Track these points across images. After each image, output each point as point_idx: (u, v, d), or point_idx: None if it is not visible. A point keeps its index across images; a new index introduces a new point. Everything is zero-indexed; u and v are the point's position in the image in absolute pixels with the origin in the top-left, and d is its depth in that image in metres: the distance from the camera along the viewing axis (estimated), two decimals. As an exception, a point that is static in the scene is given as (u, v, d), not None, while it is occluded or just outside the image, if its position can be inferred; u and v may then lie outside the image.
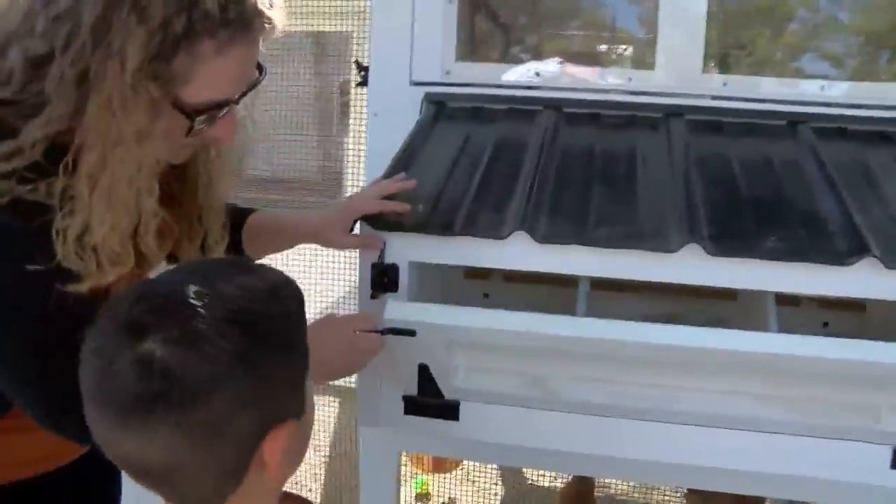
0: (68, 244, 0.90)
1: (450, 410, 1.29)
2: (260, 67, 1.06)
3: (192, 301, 0.71)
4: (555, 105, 1.58)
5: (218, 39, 0.92)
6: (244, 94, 1.05)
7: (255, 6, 0.95)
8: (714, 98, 1.56)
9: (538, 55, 1.88)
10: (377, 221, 1.26)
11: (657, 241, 1.19)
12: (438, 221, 1.26)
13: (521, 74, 1.69)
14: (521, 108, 1.60)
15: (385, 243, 1.25)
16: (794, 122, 1.52)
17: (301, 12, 2.83)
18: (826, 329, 1.62)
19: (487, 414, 1.29)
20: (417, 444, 1.77)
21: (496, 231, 1.22)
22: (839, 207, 1.27)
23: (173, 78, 0.92)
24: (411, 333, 1.15)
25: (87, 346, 0.73)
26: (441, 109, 1.63)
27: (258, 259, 1.36)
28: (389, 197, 1.28)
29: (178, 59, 0.91)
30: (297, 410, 0.78)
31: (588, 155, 1.44)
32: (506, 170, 1.40)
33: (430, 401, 1.29)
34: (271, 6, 0.98)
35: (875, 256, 1.13)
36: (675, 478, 1.64)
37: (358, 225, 1.28)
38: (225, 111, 1.00)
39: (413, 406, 1.30)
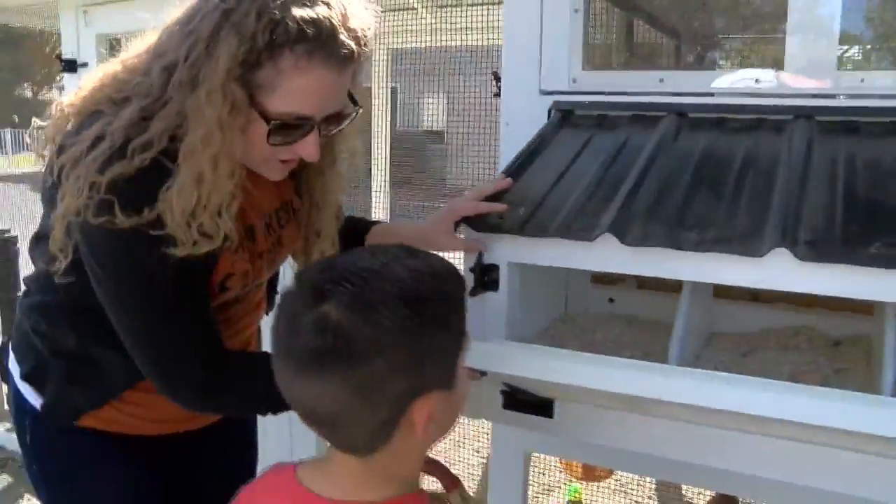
0: (173, 215, 1.10)
1: (544, 408, 1.35)
2: (354, 101, 1.22)
3: (367, 276, 0.86)
4: (679, 110, 1.60)
5: (296, 54, 1.08)
6: (336, 122, 1.20)
7: (332, 29, 1.09)
8: (849, 97, 1.50)
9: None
10: (477, 223, 1.35)
11: (747, 244, 1.19)
12: (536, 223, 1.33)
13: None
14: (646, 115, 1.63)
15: (486, 245, 1.34)
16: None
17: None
18: None
19: (582, 413, 1.34)
20: (544, 445, 1.83)
21: (587, 234, 1.27)
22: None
23: (259, 86, 1.10)
24: (482, 374, 1.26)
25: (279, 306, 0.90)
26: (567, 117, 1.69)
27: None
28: (492, 199, 1.37)
29: (264, 70, 1.09)
30: (446, 383, 0.90)
31: (703, 159, 1.45)
32: (614, 175, 1.44)
33: (525, 397, 1.35)
34: (350, 33, 1.12)
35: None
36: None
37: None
38: (307, 128, 1.15)
39: (510, 401, 1.37)
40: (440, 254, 1.00)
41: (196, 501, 1.52)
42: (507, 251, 1.34)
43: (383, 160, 3.49)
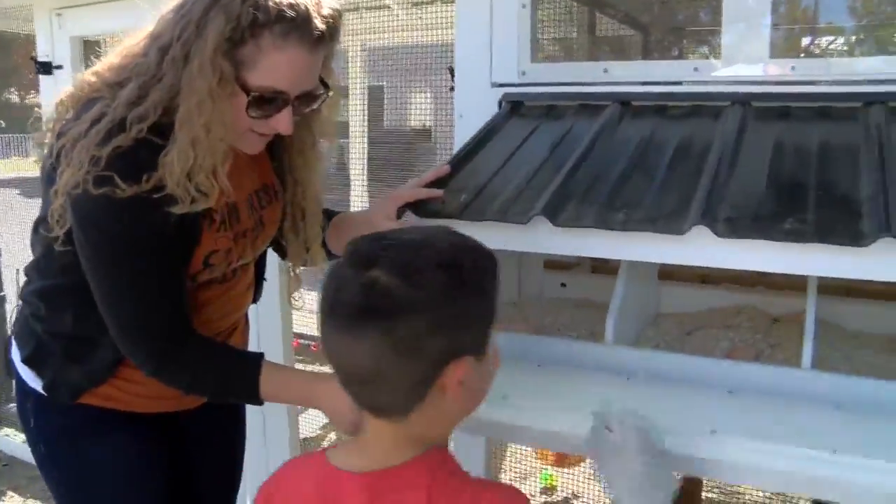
0: (173, 175, 1.22)
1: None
2: (325, 85, 1.34)
3: (412, 246, 0.96)
4: (622, 99, 1.68)
5: (275, 33, 1.20)
6: (308, 101, 1.32)
7: (307, 12, 1.22)
8: (780, 83, 1.59)
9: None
10: (420, 209, 1.44)
11: (671, 223, 1.27)
12: (475, 208, 1.41)
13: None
14: (591, 104, 1.71)
15: None
16: (870, 103, 1.52)
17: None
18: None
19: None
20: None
21: (521, 217, 1.35)
22: (882, 189, 1.27)
23: (242, 61, 1.22)
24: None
25: (329, 273, 0.98)
26: (516, 108, 1.77)
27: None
28: (436, 186, 1.46)
29: (247, 47, 1.21)
30: (478, 349, 0.98)
31: (640, 145, 1.53)
32: (555, 161, 1.52)
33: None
34: (323, 19, 1.24)
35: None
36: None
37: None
38: (282, 102, 1.27)
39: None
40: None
41: (197, 476, 1.63)
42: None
43: (360, 157, 3.57)
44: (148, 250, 1.26)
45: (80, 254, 1.28)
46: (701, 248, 1.24)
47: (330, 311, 0.96)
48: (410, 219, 1.45)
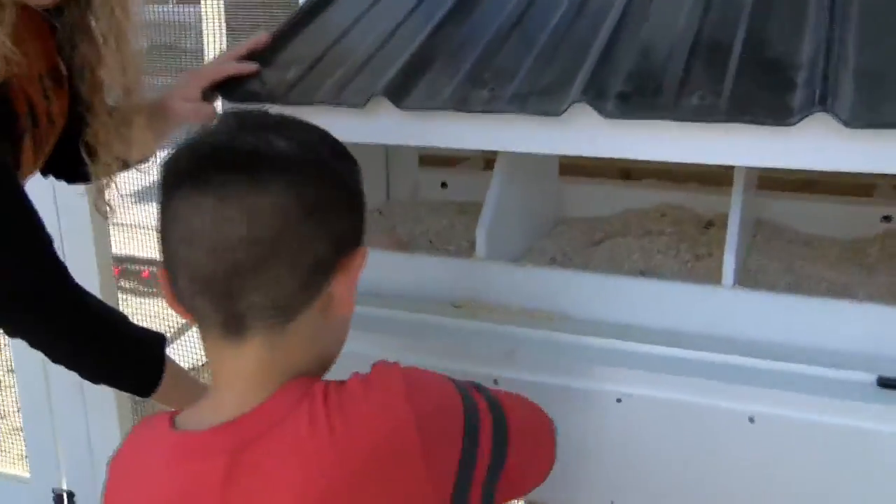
0: None
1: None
2: None
3: (297, 123, 0.79)
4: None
5: None
6: None
7: None
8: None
9: None
10: (232, 91, 1.16)
11: (547, 101, 1.01)
12: (302, 88, 1.14)
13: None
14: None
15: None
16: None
17: None
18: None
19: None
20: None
21: (357, 99, 1.08)
22: (825, 50, 1.02)
23: None
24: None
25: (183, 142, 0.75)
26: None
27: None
28: (257, 60, 1.19)
29: None
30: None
31: (523, 2, 1.25)
32: (409, 29, 1.23)
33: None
34: None
35: (829, 112, 0.90)
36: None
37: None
38: None
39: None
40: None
41: None
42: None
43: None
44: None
45: None
46: (582, 133, 0.99)
47: (200, 174, 0.72)
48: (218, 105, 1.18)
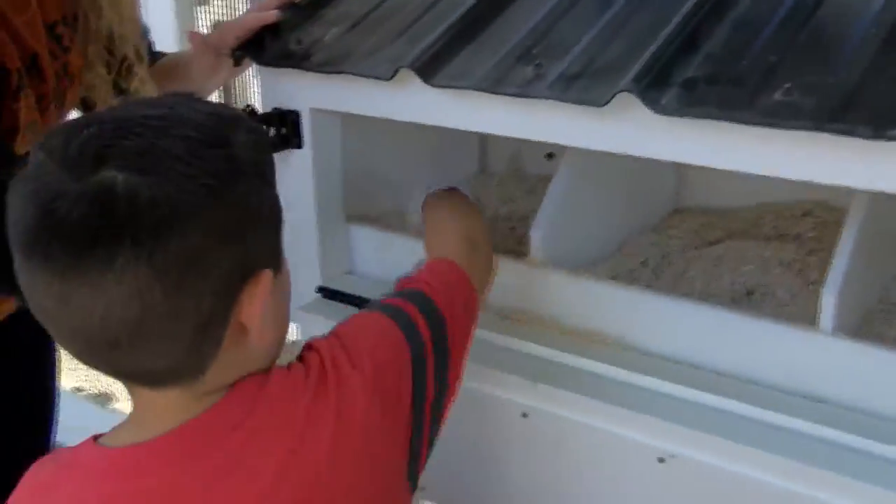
0: None
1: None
2: None
3: (154, 125, 0.65)
4: None
5: None
6: None
7: None
8: None
9: None
10: (260, 52, 1.05)
11: (592, 87, 0.82)
12: (336, 53, 1.01)
13: None
14: None
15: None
16: None
17: None
18: None
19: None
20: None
21: (384, 68, 0.93)
22: None
23: None
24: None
25: (15, 191, 0.65)
26: None
27: None
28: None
29: None
30: (275, 259, 0.72)
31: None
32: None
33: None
34: None
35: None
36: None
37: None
38: None
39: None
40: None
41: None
42: (308, 92, 1.03)
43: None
44: None
45: None
46: (627, 129, 0.80)
47: (38, 250, 0.63)
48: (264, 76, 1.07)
